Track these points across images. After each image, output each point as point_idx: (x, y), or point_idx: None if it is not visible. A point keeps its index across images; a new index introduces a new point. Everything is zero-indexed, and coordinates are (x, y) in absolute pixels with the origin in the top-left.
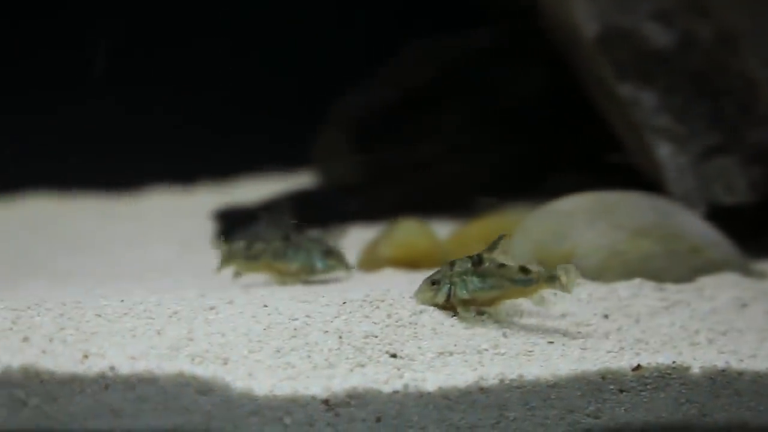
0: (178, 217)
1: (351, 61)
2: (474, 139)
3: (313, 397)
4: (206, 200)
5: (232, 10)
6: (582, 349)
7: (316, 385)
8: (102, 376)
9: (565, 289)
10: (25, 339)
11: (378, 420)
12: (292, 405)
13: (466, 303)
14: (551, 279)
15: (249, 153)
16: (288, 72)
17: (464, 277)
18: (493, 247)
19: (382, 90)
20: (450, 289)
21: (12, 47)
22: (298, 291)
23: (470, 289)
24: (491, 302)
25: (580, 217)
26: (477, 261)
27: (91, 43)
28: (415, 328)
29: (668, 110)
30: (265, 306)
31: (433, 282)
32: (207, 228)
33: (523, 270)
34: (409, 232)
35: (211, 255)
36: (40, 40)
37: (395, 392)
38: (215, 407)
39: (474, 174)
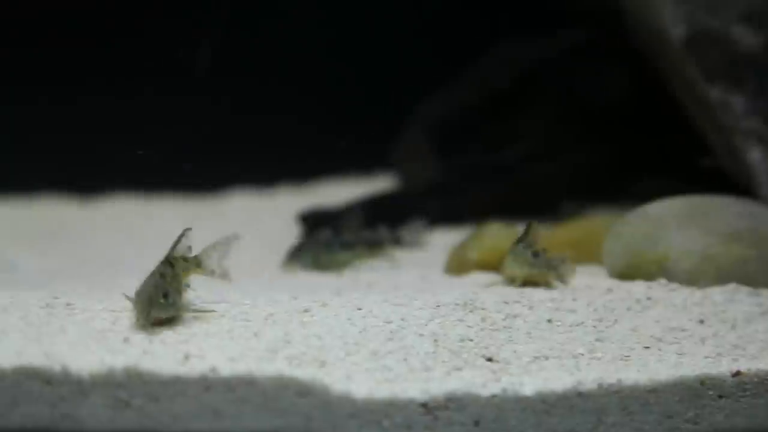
0: (260, 220)
1: (433, 63)
2: (557, 142)
3: (412, 401)
4: (288, 203)
5: (313, 13)
6: (678, 354)
7: (413, 389)
8: (204, 378)
9: (208, 274)
10: (126, 340)
11: (476, 424)
12: (391, 408)
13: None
14: (197, 265)
15: (329, 156)
16: (369, 75)
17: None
18: (174, 246)
19: (464, 93)
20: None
21: (97, 48)
22: (391, 294)
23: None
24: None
25: (672, 222)
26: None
27: (178, 45)
28: (509, 332)
29: (758, 113)
30: (359, 309)
31: (165, 294)
32: (291, 230)
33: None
34: (497, 235)
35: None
36: (128, 40)
37: (493, 396)
38: (314, 409)
39: (558, 177)
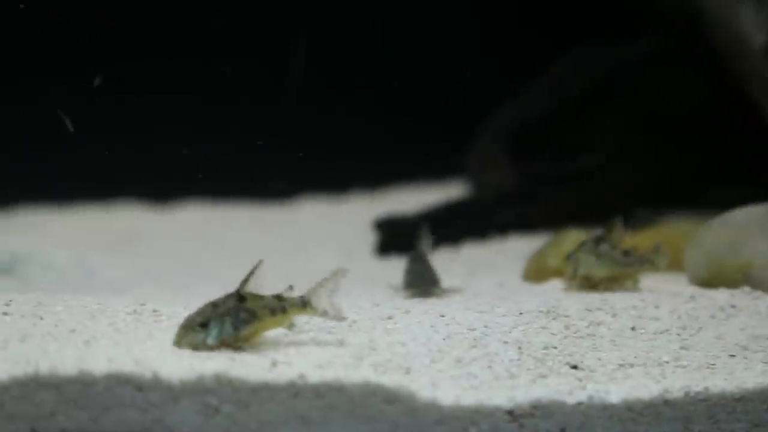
0: (333, 226)
1: (508, 70)
2: (633, 148)
3: (498, 408)
4: (359, 209)
5: (385, 19)
6: (765, 362)
7: (499, 396)
8: (292, 384)
9: (320, 315)
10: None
11: (562, 431)
12: (477, 415)
13: (238, 341)
14: (304, 305)
15: (401, 162)
16: (443, 80)
17: (231, 315)
18: (246, 280)
19: (539, 100)
20: (220, 330)
21: (175, 55)
22: (473, 301)
23: (240, 327)
24: (252, 336)
25: (756, 229)
26: (240, 297)
27: (255, 53)
28: (593, 340)
29: None
30: (442, 316)
31: (202, 325)
32: (365, 237)
33: (279, 298)
34: (577, 242)
35: (374, 264)
36: (201, 47)
37: (579, 404)
38: (401, 416)
39: (633, 185)
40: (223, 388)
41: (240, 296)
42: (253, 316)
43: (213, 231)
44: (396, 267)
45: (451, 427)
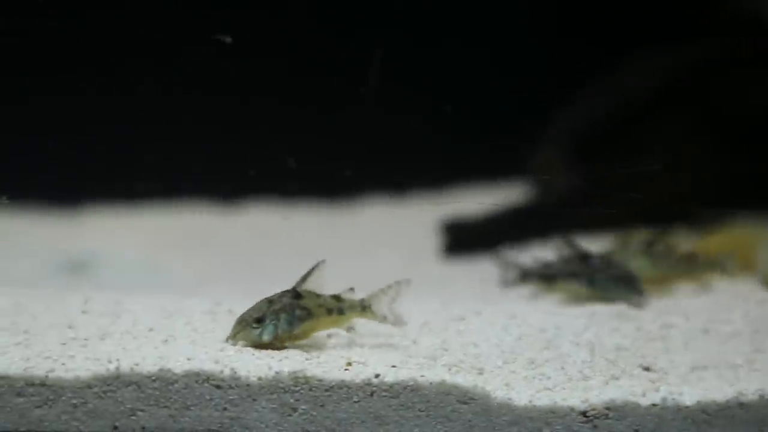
0: (396, 228)
1: (571, 71)
2: (698, 150)
3: (572, 409)
4: (421, 211)
5: (446, 20)
6: None
7: (573, 397)
8: (368, 384)
9: (380, 320)
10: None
11: None
12: (551, 416)
13: (291, 338)
14: (363, 309)
15: (461, 164)
16: (506, 81)
17: (287, 311)
18: (306, 277)
19: (603, 101)
20: (276, 326)
21: (246, 59)
22: (543, 302)
23: (294, 324)
24: (307, 334)
25: None
26: (296, 295)
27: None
28: (665, 342)
29: None
30: (514, 317)
31: (258, 320)
32: (429, 239)
33: (337, 299)
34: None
35: (439, 265)
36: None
37: (653, 405)
38: (476, 416)
39: (698, 187)
40: (300, 387)
41: (296, 293)
42: (308, 314)
43: (280, 232)
44: (462, 268)
45: (525, 428)
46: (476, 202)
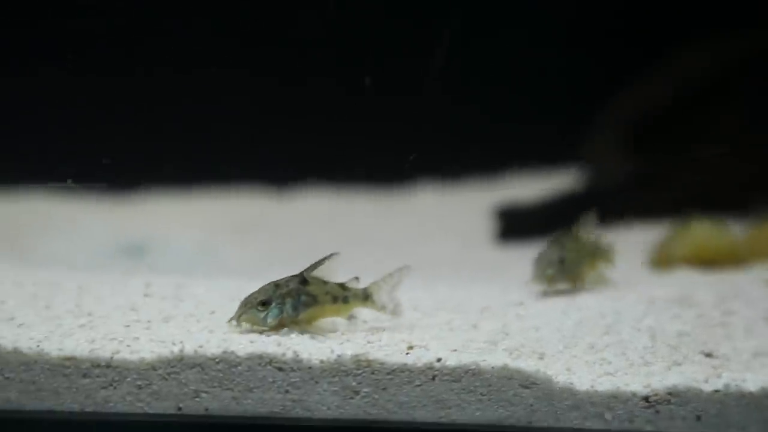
0: (450, 214)
1: (626, 58)
2: (754, 138)
3: (634, 394)
4: (474, 197)
5: (500, 7)
6: None
7: (635, 382)
8: (430, 367)
9: (379, 309)
10: (359, 329)
11: (698, 418)
12: (613, 401)
13: (295, 323)
14: (365, 298)
15: (513, 150)
16: (559, 68)
17: (292, 296)
18: (316, 265)
19: (658, 88)
20: (280, 310)
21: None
22: (601, 288)
23: (299, 309)
24: (311, 320)
25: None
26: (303, 280)
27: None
28: (726, 328)
29: None
30: (573, 302)
31: (263, 303)
32: (482, 224)
33: (342, 287)
34: (705, 231)
35: (493, 251)
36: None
37: (716, 391)
38: (537, 401)
39: (754, 175)
40: (362, 370)
41: (303, 279)
42: (314, 301)
43: (333, 218)
44: (516, 254)
45: (586, 413)
46: (530, 188)
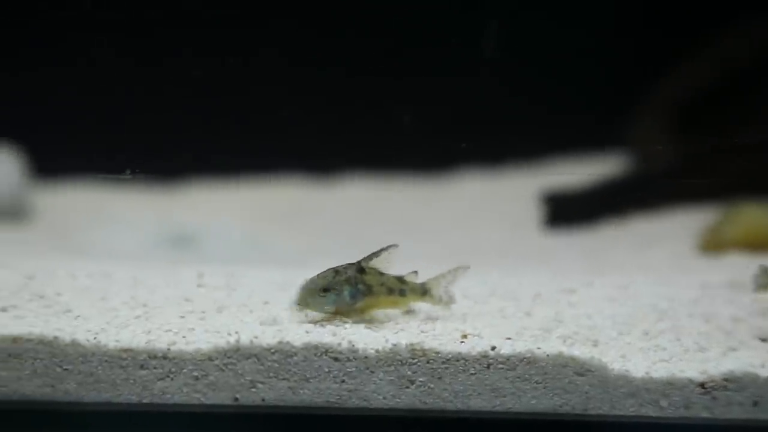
0: (495, 200)
1: (670, 39)
2: None
3: (690, 380)
4: (519, 183)
5: None
6: None
7: (690, 369)
8: (484, 356)
9: (436, 303)
10: (402, 318)
11: (755, 404)
12: (669, 388)
13: (351, 312)
14: (423, 293)
15: (559, 136)
16: (598, 52)
17: (350, 284)
18: (374, 255)
19: (703, 70)
20: (339, 297)
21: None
22: (652, 273)
23: (357, 297)
24: (366, 310)
25: None
26: (360, 269)
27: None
28: None
29: None
30: (625, 288)
31: (325, 289)
32: (528, 210)
33: (400, 281)
34: (755, 215)
35: (541, 237)
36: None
37: None
38: (593, 388)
39: None
40: (417, 359)
41: (361, 268)
42: (369, 291)
43: (378, 206)
44: (563, 241)
45: (642, 399)
46: (575, 174)
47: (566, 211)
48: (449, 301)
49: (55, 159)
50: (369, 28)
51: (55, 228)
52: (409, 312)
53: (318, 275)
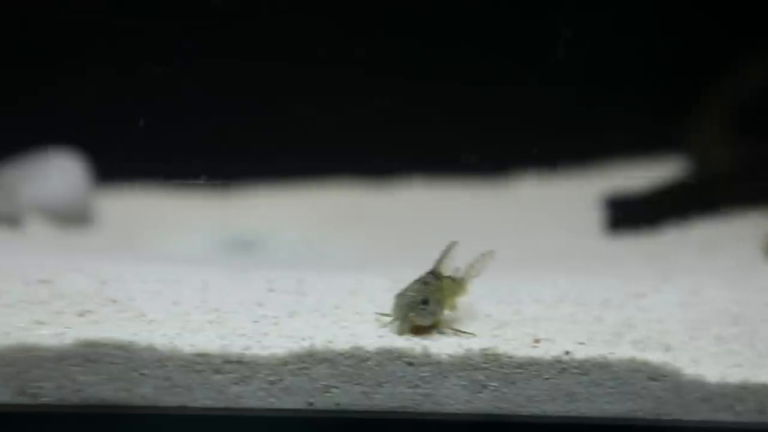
0: (554, 204)
1: (729, 40)
2: None
3: (764, 385)
4: (577, 187)
5: None
6: None
7: (765, 374)
8: (558, 360)
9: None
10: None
11: None
12: (743, 393)
13: (438, 321)
14: (463, 287)
15: (617, 139)
16: (658, 54)
17: (438, 293)
18: (442, 258)
19: (763, 73)
20: (436, 307)
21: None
22: (724, 278)
23: (442, 304)
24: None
25: None
26: (438, 276)
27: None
28: None
29: None
30: (695, 293)
31: (424, 301)
32: (588, 214)
33: (453, 280)
34: None
35: (602, 241)
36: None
37: None
38: (666, 393)
39: None
40: (490, 364)
41: (438, 275)
42: (443, 296)
43: (435, 210)
44: (625, 245)
45: (716, 405)
46: (634, 177)
47: (629, 214)
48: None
49: (118, 164)
50: (430, 33)
51: (119, 233)
52: (479, 317)
53: (409, 288)
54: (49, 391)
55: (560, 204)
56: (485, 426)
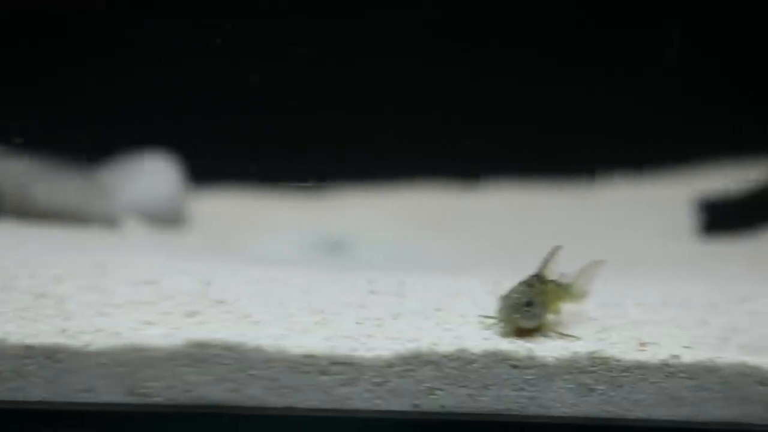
0: (646, 206)
1: None
2: None
3: None
4: (668, 189)
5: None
6: None
7: None
8: (665, 364)
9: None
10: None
11: None
12: None
13: (542, 324)
14: (572, 293)
15: (708, 142)
16: (751, 55)
17: (542, 296)
18: (546, 261)
19: None
20: (541, 309)
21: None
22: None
23: (545, 307)
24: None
25: None
26: (542, 280)
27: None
28: None
29: None
30: None
31: (528, 303)
32: (680, 217)
33: (557, 284)
34: None
35: (701, 245)
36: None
37: None
38: None
39: None
40: (597, 367)
41: (542, 279)
42: (547, 299)
43: (525, 212)
44: (720, 248)
45: None
46: (725, 180)
47: (724, 217)
48: (583, 295)
49: (210, 166)
50: (522, 36)
51: (213, 234)
52: (583, 320)
53: (513, 290)
54: (160, 391)
55: (649, 207)
56: (592, 429)
